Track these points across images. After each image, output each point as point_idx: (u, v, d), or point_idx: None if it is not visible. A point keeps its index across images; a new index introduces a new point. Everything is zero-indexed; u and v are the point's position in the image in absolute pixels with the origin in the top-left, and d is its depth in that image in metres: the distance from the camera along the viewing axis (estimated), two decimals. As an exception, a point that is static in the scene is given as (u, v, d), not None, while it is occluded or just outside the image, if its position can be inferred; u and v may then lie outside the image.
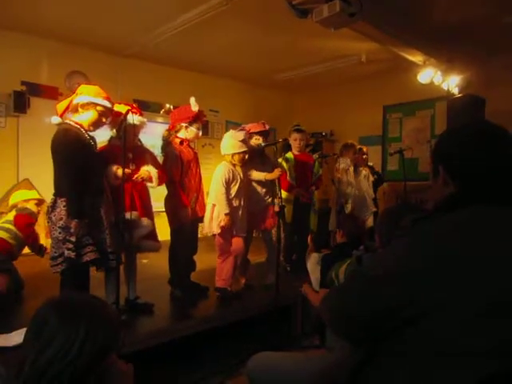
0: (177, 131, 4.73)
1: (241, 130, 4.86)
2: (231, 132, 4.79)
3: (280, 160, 5.49)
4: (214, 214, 4.66)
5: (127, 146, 3.84)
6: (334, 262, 2.96)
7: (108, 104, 3.78)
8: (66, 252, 3.46)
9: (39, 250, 5.00)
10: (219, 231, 4.63)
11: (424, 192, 7.50)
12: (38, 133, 7.12)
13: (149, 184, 4.17)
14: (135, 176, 4.04)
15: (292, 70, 9.42)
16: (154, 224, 4.25)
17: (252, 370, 2.37)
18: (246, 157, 4.77)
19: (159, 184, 4.32)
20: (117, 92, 7.62)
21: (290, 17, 5.39)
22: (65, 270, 3.53)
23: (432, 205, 1.57)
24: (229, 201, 4.63)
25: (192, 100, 4.69)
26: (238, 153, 4.69)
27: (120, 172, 3.83)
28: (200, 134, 4.78)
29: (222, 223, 4.58)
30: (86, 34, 7.35)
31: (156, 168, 4.29)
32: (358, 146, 6.93)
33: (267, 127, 5.19)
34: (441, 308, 1.25)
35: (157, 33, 7.18)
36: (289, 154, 5.89)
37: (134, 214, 3.98)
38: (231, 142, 4.71)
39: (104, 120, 3.80)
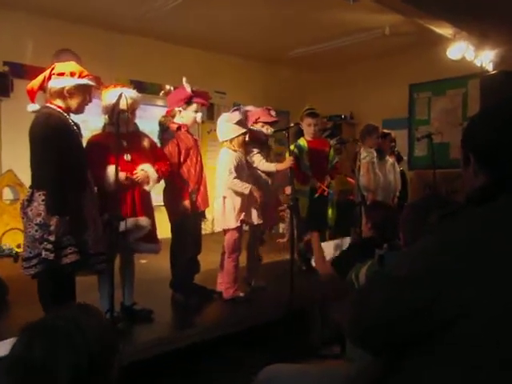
0: (173, 116, 4.72)
1: (235, 110, 4.87)
2: (225, 115, 4.84)
3: (292, 148, 5.46)
4: (227, 207, 4.67)
5: (123, 133, 3.85)
6: (355, 260, 2.93)
7: (94, 83, 3.75)
8: (44, 253, 3.34)
9: None
10: (238, 225, 4.66)
11: (456, 181, 7.43)
12: (22, 119, 6.96)
13: (145, 187, 4.11)
14: (134, 176, 4.02)
15: (306, 46, 9.36)
16: (154, 224, 4.25)
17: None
18: (247, 138, 4.80)
19: (163, 177, 4.33)
20: (111, 72, 7.61)
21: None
22: (40, 273, 3.44)
23: (463, 197, 1.55)
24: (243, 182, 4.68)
25: (184, 80, 4.67)
26: (237, 136, 4.71)
27: (121, 177, 3.83)
28: (198, 118, 4.74)
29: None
30: (75, 8, 7.32)
31: (156, 157, 4.29)
32: (385, 131, 6.86)
33: (273, 115, 5.18)
34: (474, 309, 1.24)
35: (156, 5, 7.14)
36: (301, 141, 5.87)
37: (131, 221, 3.96)
38: (227, 127, 4.72)
39: (89, 98, 3.76)
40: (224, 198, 4.70)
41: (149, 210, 4.21)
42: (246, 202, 4.71)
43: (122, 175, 3.85)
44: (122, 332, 3.84)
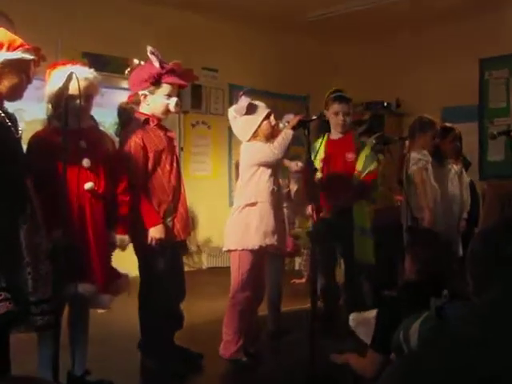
0: (137, 103, 4.68)
1: (242, 95, 4.81)
2: (231, 111, 4.80)
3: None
4: (261, 214, 4.66)
5: (75, 130, 3.81)
6: (401, 315, 2.93)
7: (32, 56, 3.73)
8: None
9: None
10: (270, 243, 4.66)
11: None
12: None
13: None
14: None
15: (332, 5, 9.38)
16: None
17: None
18: (272, 122, 4.82)
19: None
20: (57, 43, 7.64)
21: None
22: None
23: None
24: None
25: (149, 50, 4.59)
26: (257, 128, 4.75)
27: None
28: (172, 105, 4.66)
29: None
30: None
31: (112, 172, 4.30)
32: (447, 125, 6.83)
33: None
34: None
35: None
36: (320, 142, 5.81)
37: (87, 289, 3.96)
38: (239, 123, 4.71)
39: (26, 79, 3.74)
40: (253, 204, 4.69)
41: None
42: (277, 218, 4.74)
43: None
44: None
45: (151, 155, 4.57)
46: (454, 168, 6.66)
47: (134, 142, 4.52)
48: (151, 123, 4.64)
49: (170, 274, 4.71)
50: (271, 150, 4.68)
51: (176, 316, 4.92)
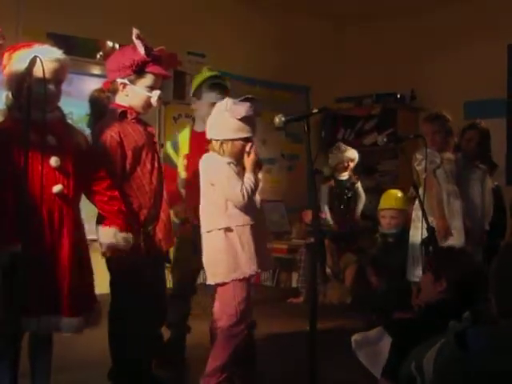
0: (113, 92, 4.64)
1: (247, 100, 4.60)
2: (224, 104, 4.54)
3: None
4: (237, 239, 4.50)
5: (41, 121, 3.70)
6: (415, 342, 2.93)
7: None
8: None
9: None
10: (256, 272, 4.53)
11: None
12: None
13: None
14: None
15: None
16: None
17: None
18: (247, 149, 4.50)
19: None
20: (18, 21, 7.63)
21: None
22: None
23: None
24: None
25: (134, 33, 4.53)
26: (232, 140, 4.48)
27: None
28: (154, 99, 4.62)
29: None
30: None
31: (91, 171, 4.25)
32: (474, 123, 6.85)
33: None
34: None
35: None
36: (184, 133, 5.76)
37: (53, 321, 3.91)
38: (223, 121, 4.53)
39: None
40: (227, 229, 4.50)
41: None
42: (260, 236, 4.62)
43: None
44: None
45: (129, 153, 4.51)
46: (477, 172, 6.68)
47: (110, 136, 4.45)
48: (129, 116, 4.59)
49: (148, 291, 4.62)
50: (238, 192, 4.37)
51: (154, 341, 4.89)
